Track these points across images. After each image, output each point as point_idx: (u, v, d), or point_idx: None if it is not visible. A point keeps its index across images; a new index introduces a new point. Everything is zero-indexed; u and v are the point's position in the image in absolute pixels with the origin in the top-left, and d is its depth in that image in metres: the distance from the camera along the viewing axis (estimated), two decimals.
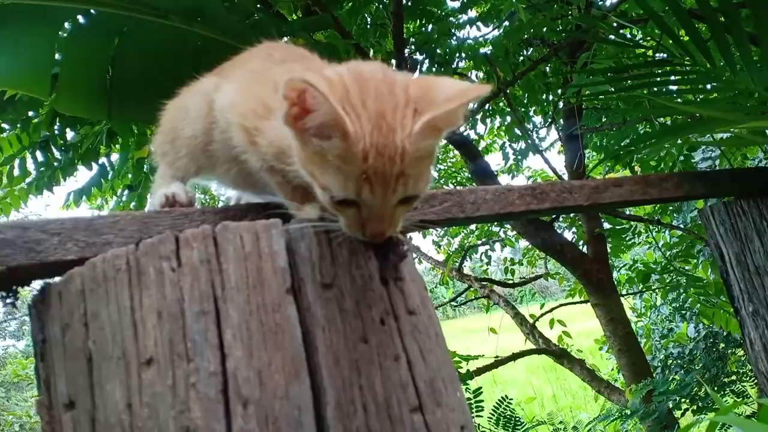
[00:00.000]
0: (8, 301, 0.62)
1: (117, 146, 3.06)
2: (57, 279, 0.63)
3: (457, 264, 4.44)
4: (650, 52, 1.69)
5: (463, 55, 3.89)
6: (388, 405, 0.59)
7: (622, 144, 3.31)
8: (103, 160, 2.95)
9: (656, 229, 4.07)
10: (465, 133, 4.23)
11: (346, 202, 0.57)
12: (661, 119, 2.58)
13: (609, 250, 3.96)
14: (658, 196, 1.12)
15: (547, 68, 3.80)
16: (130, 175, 3.15)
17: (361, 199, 0.56)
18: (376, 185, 0.54)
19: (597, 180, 1.04)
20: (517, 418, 2.43)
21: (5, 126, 2.83)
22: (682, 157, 2.90)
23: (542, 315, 4.15)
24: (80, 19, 2.18)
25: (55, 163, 2.87)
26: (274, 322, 0.56)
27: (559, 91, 3.97)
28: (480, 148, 5.13)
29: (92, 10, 2.11)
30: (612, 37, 1.87)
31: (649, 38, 1.68)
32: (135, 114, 2.43)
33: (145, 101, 2.44)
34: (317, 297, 0.59)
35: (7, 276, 0.59)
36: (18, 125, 2.76)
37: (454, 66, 3.90)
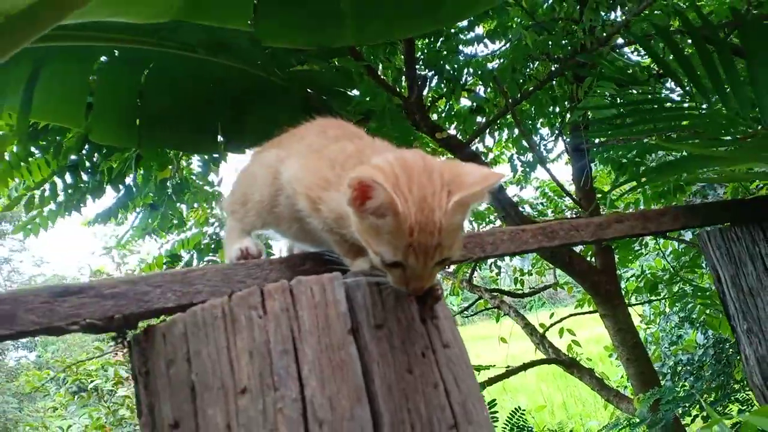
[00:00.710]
0: (119, 341, 0.77)
1: (140, 168, 3.22)
2: (152, 321, 0.78)
3: (468, 275, 4.58)
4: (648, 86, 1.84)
5: (471, 71, 4.03)
6: (430, 424, 0.73)
7: (629, 155, 3.44)
8: (129, 181, 3.12)
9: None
10: (474, 147, 4.38)
11: (395, 264, 0.72)
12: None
13: (617, 261, 4.10)
14: (656, 230, 1.27)
15: (554, 82, 3.94)
16: (151, 194, 3.31)
17: (407, 264, 0.71)
18: (419, 254, 0.69)
19: (601, 218, 1.19)
20: (530, 428, 2.57)
21: (35, 151, 3.00)
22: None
23: (552, 325, 4.28)
24: (114, 52, 2.36)
25: (82, 185, 3.04)
26: (340, 358, 0.71)
27: (566, 103, 4.12)
28: (488, 160, 5.28)
29: (124, 47, 2.29)
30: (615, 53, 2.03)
31: (646, 73, 1.83)
32: (162, 140, 2.60)
33: (171, 128, 2.63)
34: (372, 337, 0.74)
35: (123, 322, 0.74)
36: (49, 150, 2.93)
37: (462, 82, 4.05)
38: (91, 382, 5.52)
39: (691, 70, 1.65)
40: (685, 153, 1.51)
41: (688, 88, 1.71)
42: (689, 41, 1.76)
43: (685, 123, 1.67)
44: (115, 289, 0.75)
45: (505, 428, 2.55)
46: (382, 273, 0.76)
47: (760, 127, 1.54)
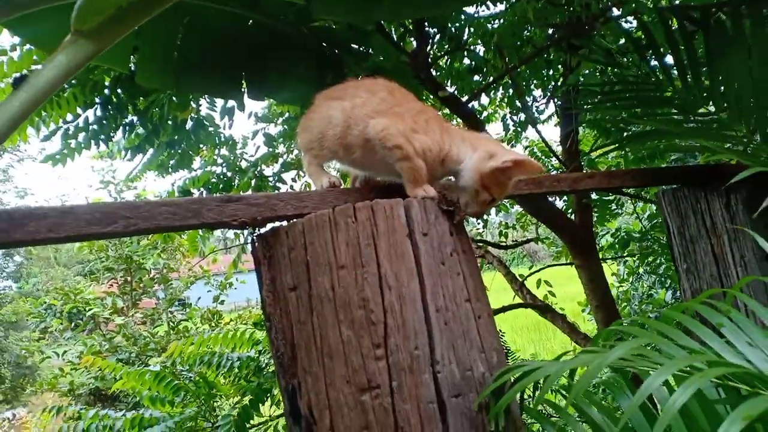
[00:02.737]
0: (253, 232, 1.22)
1: (156, 109, 3.58)
2: (272, 225, 1.23)
3: None
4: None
5: (472, 30, 4.39)
6: (454, 296, 1.20)
7: (614, 121, 3.90)
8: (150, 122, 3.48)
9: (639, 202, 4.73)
10: (470, 105, 4.79)
11: (489, 200, 1.22)
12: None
13: (595, 219, 4.62)
14: (619, 185, 1.74)
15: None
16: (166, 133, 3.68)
17: (492, 198, 1.23)
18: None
19: (576, 174, 1.65)
20: (507, 348, 3.11)
21: (65, 85, 3.34)
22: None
23: (531, 274, 4.83)
24: None
25: (109, 120, 3.39)
26: (401, 250, 1.17)
27: (560, 67, 4.53)
28: (482, 118, 5.70)
29: None
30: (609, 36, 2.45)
31: (631, 61, 2.26)
32: (195, 85, 2.97)
33: (203, 74, 3.02)
34: (420, 239, 1.20)
35: (259, 223, 1.19)
36: (78, 86, 3.27)
37: (463, 41, 4.41)
38: (89, 310, 5.96)
39: (657, 50, 2.11)
40: (648, 127, 1.97)
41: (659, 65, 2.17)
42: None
43: (656, 97, 2.12)
44: (258, 200, 1.19)
45: None
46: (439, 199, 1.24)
47: (723, 114, 2.01)
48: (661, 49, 2.25)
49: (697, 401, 1.17)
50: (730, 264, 1.89)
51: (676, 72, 2.09)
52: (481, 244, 5.06)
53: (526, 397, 1.32)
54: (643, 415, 1.23)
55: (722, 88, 1.98)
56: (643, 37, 2.23)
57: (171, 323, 6.27)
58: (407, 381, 1.11)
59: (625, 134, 3.90)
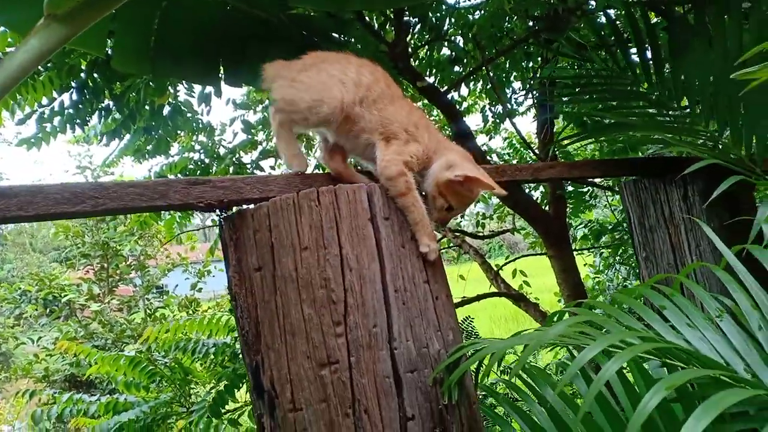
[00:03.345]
0: (222, 215, 1.27)
1: (133, 94, 3.59)
2: (237, 208, 1.28)
3: None
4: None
5: (452, 20, 4.44)
6: (413, 277, 1.27)
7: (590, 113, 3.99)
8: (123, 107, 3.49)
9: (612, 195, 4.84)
10: (449, 96, 4.85)
11: (448, 209, 1.28)
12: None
13: (569, 211, 4.73)
14: (579, 175, 1.82)
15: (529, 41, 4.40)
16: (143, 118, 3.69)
17: (452, 209, 1.30)
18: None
19: (538, 163, 1.72)
20: (476, 333, 3.20)
21: (41, 68, 3.33)
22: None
23: (506, 263, 4.93)
24: None
25: (85, 105, 3.40)
26: (363, 233, 1.23)
27: (539, 59, 4.60)
28: (462, 109, 5.77)
29: None
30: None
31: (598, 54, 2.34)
32: (172, 70, 2.99)
33: (180, 59, 3.04)
34: (382, 223, 1.26)
35: (225, 205, 1.24)
36: (54, 69, 3.27)
37: (443, 31, 4.46)
38: (64, 296, 5.95)
39: (623, 45, 2.19)
40: (611, 120, 2.05)
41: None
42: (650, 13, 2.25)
43: (621, 90, 2.21)
44: (223, 183, 1.24)
45: None
46: None
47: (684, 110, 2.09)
48: (629, 44, 2.33)
49: (643, 381, 1.25)
50: (686, 252, 1.98)
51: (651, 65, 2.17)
52: (458, 234, 5.14)
53: (496, 374, 1.40)
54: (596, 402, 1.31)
55: (683, 79, 2.06)
56: (609, 31, 2.31)
57: (148, 310, 6.28)
58: (365, 357, 1.18)
59: (589, 125, 4.01)
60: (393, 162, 1.32)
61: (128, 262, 6.73)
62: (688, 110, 2.09)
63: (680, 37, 2.05)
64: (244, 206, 1.29)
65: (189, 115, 4.07)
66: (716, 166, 1.78)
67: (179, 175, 4.26)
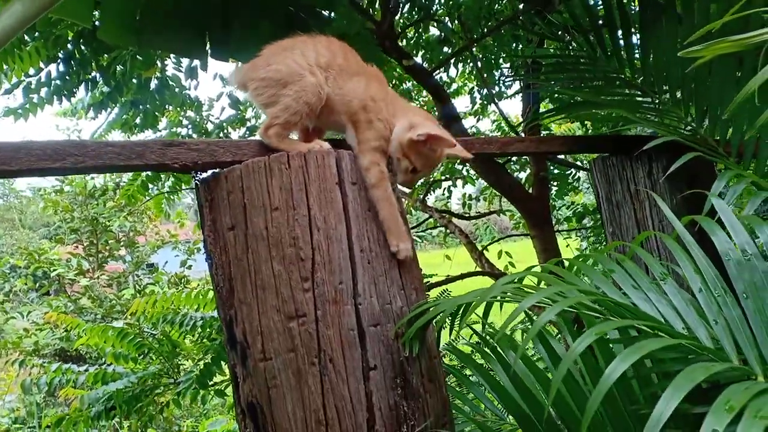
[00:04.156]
0: (196, 177, 1.34)
1: (120, 66, 3.63)
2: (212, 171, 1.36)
3: (422, 196, 5.23)
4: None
5: (442, 1, 4.48)
6: (379, 239, 1.35)
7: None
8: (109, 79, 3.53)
9: None
10: (438, 77, 4.90)
11: (413, 171, 1.35)
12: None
13: (553, 192, 4.82)
14: (547, 150, 1.90)
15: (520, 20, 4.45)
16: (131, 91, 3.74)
17: (416, 170, 1.38)
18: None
19: (507, 138, 1.80)
20: None
21: (27, 39, 3.36)
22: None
23: (491, 243, 5.03)
24: None
25: (72, 76, 3.44)
26: (331, 196, 1.31)
27: (528, 42, 4.66)
28: (450, 91, 5.82)
29: None
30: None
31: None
32: (158, 42, 3.03)
33: (167, 33, 3.08)
34: (349, 187, 1.34)
35: (200, 168, 1.31)
36: (41, 39, 3.31)
37: (432, 11, 4.50)
38: (54, 271, 6.01)
39: (596, 28, 2.27)
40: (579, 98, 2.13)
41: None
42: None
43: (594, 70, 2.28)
44: (198, 146, 1.31)
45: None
46: None
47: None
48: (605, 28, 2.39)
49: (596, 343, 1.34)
50: (650, 227, 2.07)
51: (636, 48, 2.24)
52: (444, 214, 5.23)
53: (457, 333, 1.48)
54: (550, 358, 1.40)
55: (651, 58, 2.14)
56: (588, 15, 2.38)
57: (137, 287, 6.35)
58: (331, 311, 1.26)
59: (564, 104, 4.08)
60: (363, 152, 1.39)
61: (118, 239, 6.79)
62: (667, 96, 2.17)
63: (650, 15, 2.12)
64: (219, 169, 1.36)
65: (177, 89, 4.11)
66: (681, 145, 1.87)
67: None
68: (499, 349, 1.51)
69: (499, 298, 1.21)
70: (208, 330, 4.03)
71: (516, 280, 1.30)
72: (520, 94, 5.66)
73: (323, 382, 1.23)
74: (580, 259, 1.55)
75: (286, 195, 1.29)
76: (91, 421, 3.45)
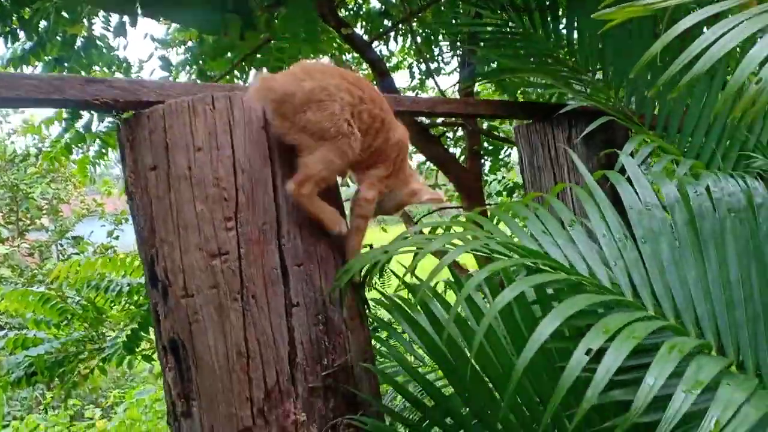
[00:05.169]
0: (117, 116, 1.33)
1: (44, 22, 3.46)
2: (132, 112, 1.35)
3: None
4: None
5: None
6: None
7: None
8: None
9: None
10: (378, 50, 4.92)
11: None
12: None
13: (487, 167, 4.97)
14: (473, 112, 1.98)
15: None
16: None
17: None
18: None
19: (435, 98, 1.87)
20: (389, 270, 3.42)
21: None
22: None
23: (425, 215, 5.15)
24: None
25: None
26: (256, 139, 1.33)
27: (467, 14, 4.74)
28: (391, 65, 5.86)
29: None
30: None
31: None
32: None
33: None
34: (277, 130, 1.36)
35: (122, 106, 1.31)
36: None
37: None
38: None
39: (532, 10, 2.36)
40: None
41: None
42: None
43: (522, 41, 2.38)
44: (121, 84, 1.30)
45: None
46: None
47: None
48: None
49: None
50: (568, 191, 2.20)
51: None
52: None
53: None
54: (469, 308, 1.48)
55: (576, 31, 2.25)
56: None
57: (61, 256, 6.12)
58: (254, 250, 1.29)
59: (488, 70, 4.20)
60: (371, 186, 1.45)
61: (40, 206, 6.49)
62: (599, 75, 2.30)
63: None
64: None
65: (105, 49, 3.95)
66: (600, 113, 2.00)
67: (92, 112, 4.16)
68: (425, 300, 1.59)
69: (417, 246, 1.27)
70: (135, 297, 3.95)
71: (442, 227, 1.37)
72: (458, 71, 5.78)
73: (245, 317, 1.26)
74: (501, 209, 1.64)
75: (210, 136, 1.30)
76: (11, 386, 3.34)
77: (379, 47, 5.15)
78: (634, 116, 2.14)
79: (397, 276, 1.56)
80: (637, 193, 1.43)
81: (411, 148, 5.72)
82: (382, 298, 1.47)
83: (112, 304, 4.13)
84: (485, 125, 5.25)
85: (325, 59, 4.70)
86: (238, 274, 1.27)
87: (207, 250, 1.28)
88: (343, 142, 1.30)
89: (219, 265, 1.27)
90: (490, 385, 1.34)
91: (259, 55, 3.73)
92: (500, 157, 4.92)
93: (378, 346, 1.73)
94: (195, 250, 1.28)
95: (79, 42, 3.65)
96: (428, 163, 6.08)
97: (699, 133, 2.09)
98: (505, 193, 4.88)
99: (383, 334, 2.07)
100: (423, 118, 6.07)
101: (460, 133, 5.19)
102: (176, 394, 1.30)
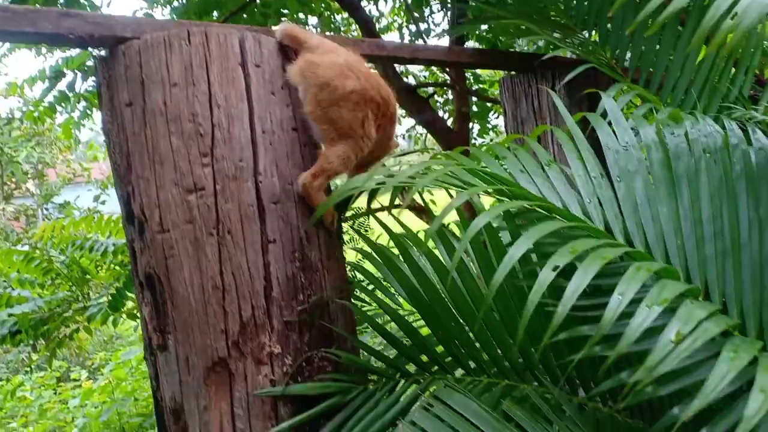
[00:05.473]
0: (95, 52, 1.32)
1: None
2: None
3: None
4: None
5: None
6: (282, 123, 1.39)
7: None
8: None
9: None
10: (368, 10, 4.86)
11: None
12: None
13: (476, 132, 4.97)
14: (455, 60, 1.97)
15: None
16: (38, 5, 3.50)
17: None
18: None
19: (419, 45, 1.86)
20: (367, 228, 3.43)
21: None
22: None
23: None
24: None
25: None
26: (233, 75, 1.33)
27: None
28: (380, 27, 5.79)
29: None
30: None
31: None
32: None
33: None
34: (252, 69, 1.36)
35: (97, 42, 1.30)
36: None
37: None
38: None
39: None
40: None
41: None
42: None
43: None
44: (96, 19, 1.29)
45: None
46: None
47: None
48: None
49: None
50: (550, 143, 2.21)
51: None
52: None
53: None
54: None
55: None
56: None
57: (47, 220, 6.08)
58: (230, 186, 1.30)
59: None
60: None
61: (25, 170, 6.42)
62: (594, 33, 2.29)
63: None
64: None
65: (89, 8, 3.88)
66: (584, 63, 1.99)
67: (77, 71, 4.11)
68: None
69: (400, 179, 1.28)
70: (120, 256, 3.96)
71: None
72: (447, 32, 5.73)
73: (221, 251, 1.28)
74: (483, 149, 1.65)
75: (186, 71, 1.30)
76: None
77: (368, 7, 5.09)
78: (617, 67, 2.15)
79: (379, 222, 1.57)
80: (615, 134, 1.44)
81: (400, 111, 5.70)
82: (365, 247, 1.49)
83: (98, 267, 4.14)
84: (475, 88, 5.23)
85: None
86: (214, 210, 1.28)
87: (183, 186, 1.28)
88: (364, 143, 1.40)
89: (195, 200, 1.28)
90: (463, 322, 1.37)
91: (245, 15, 3.69)
92: (488, 119, 4.91)
93: (358, 292, 1.75)
94: (171, 186, 1.29)
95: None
96: (417, 127, 6.08)
97: (681, 86, 2.10)
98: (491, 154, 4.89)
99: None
100: (412, 81, 6.05)
101: (450, 98, 5.17)
102: (152, 328, 1.32)
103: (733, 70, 2.13)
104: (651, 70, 2.16)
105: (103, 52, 1.36)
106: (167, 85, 1.29)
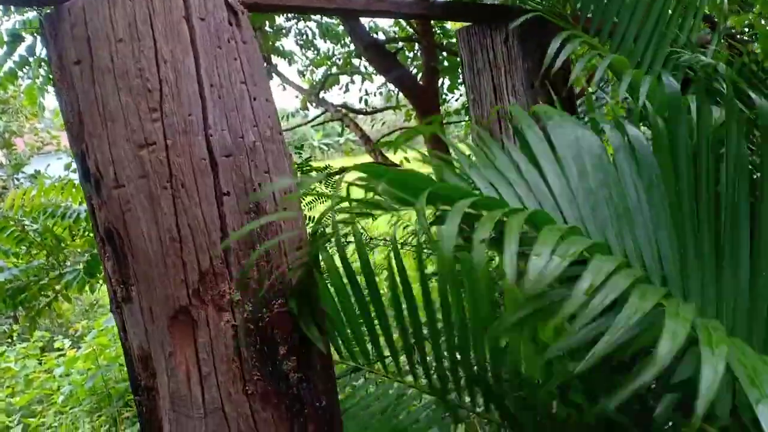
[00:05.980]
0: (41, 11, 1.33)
1: None
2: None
3: (317, 91, 5.24)
4: None
5: None
6: (230, 76, 1.42)
7: None
8: None
9: None
10: None
11: None
12: None
13: (446, 87, 4.99)
14: (408, 12, 2.00)
15: None
16: None
17: None
18: None
19: None
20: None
21: None
22: None
23: (384, 136, 5.19)
24: None
25: None
26: (177, 29, 1.35)
27: None
28: None
29: None
30: None
31: None
32: None
33: None
34: (197, 23, 1.38)
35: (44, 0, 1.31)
36: None
37: None
38: None
39: None
40: None
41: None
42: None
43: None
44: None
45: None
46: None
47: None
48: None
49: None
50: (504, 92, 2.26)
51: None
52: (341, 108, 5.29)
53: None
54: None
55: None
56: None
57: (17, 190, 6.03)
58: (181, 140, 1.34)
59: None
60: None
61: None
62: None
63: None
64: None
65: None
66: (539, 18, 2.03)
67: (36, 34, 4.03)
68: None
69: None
70: None
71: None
72: None
73: (176, 204, 1.32)
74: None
75: (131, 27, 1.31)
76: None
77: None
78: (568, 16, 2.18)
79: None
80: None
81: (370, 69, 5.68)
82: None
83: (74, 235, 4.15)
84: (444, 43, 5.23)
85: None
86: (166, 164, 1.32)
87: (134, 141, 1.32)
88: None
89: (147, 155, 1.32)
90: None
91: None
92: (458, 74, 4.93)
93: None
94: (123, 142, 1.32)
95: None
96: (387, 84, 6.08)
97: (630, 33, 2.14)
98: (463, 111, 4.93)
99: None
100: (381, 35, 6.02)
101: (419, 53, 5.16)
102: (115, 281, 1.38)
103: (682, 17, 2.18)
104: (603, 18, 2.20)
105: (48, 11, 1.37)
106: (113, 41, 1.31)
